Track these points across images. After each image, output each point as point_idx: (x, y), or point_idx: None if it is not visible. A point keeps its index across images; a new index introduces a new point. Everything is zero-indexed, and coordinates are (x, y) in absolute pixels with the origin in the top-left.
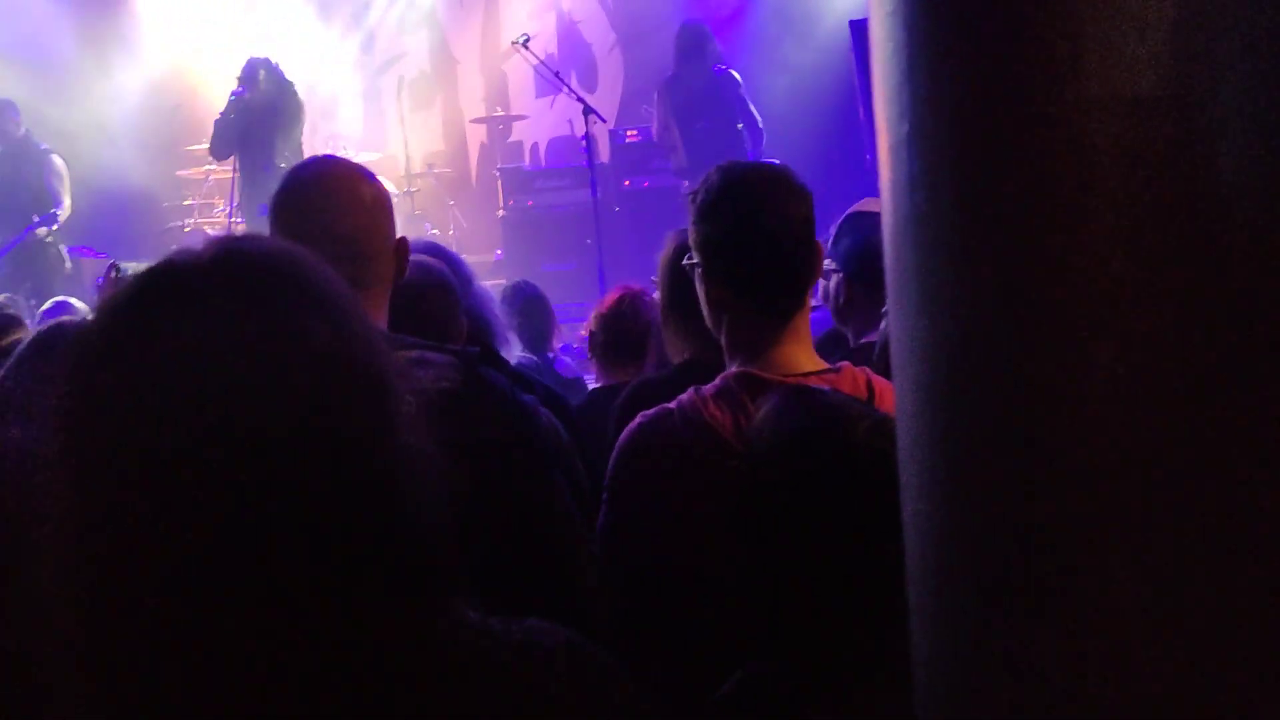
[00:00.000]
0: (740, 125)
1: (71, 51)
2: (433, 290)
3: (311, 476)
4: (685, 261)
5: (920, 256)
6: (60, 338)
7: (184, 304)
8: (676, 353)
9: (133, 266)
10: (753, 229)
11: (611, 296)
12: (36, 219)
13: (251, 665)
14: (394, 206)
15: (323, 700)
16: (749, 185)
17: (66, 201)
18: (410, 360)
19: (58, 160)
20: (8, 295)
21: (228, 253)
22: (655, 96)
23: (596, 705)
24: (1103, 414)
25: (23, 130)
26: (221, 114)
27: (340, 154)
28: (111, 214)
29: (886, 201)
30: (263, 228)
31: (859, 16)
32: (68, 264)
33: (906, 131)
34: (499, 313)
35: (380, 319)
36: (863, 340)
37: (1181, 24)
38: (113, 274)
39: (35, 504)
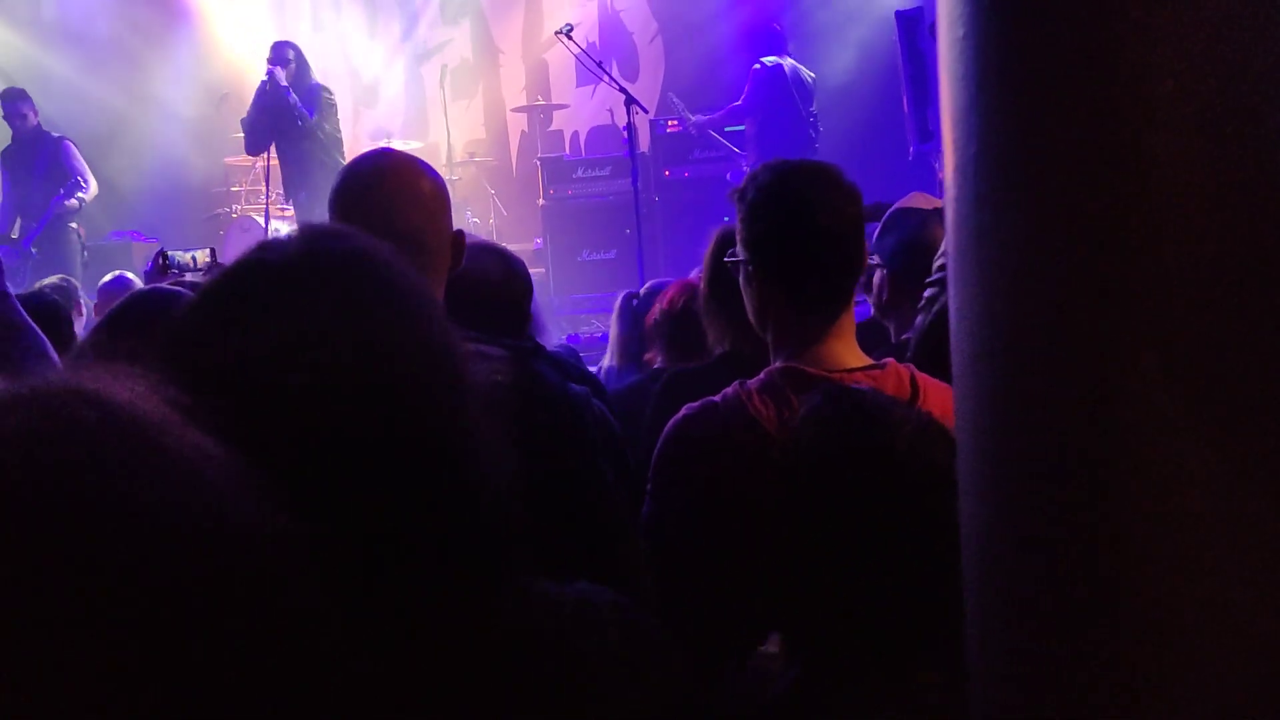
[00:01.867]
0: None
1: (125, 33)
2: (509, 274)
3: (392, 463)
4: (728, 258)
5: (984, 272)
6: (138, 307)
7: (272, 296)
8: (715, 342)
9: (179, 254)
10: (802, 228)
11: (675, 292)
12: (61, 191)
13: (319, 630)
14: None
15: (400, 662)
16: (799, 183)
17: (93, 181)
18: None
19: (71, 146)
20: (62, 277)
21: (314, 246)
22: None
23: (645, 662)
24: (1154, 420)
25: (35, 120)
26: (248, 112)
27: (381, 141)
28: (160, 199)
29: (951, 218)
30: (307, 216)
31: (906, 8)
32: (82, 245)
33: (974, 152)
34: (536, 304)
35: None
36: (905, 336)
37: (1247, 41)
38: (160, 261)
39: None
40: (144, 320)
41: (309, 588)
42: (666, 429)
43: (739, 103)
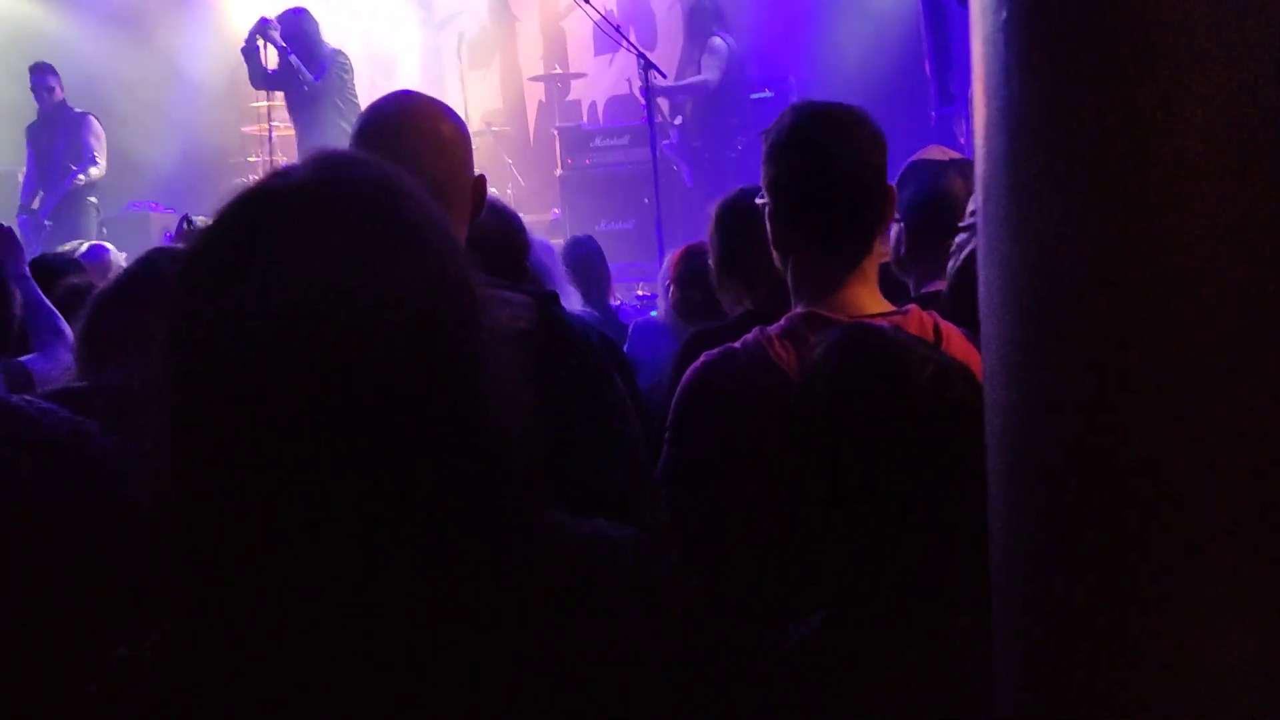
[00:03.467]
0: None
1: (147, 3)
2: (506, 229)
3: (409, 400)
4: (758, 200)
5: (1014, 231)
6: (152, 272)
7: (283, 229)
8: (731, 303)
9: (203, 220)
10: (823, 170)
11: (677, 256)
12: (73, 169)
13: (338, 560)
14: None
15: (405, 601)
16: (821, 125)
17: (102, 161)
18: (489, 298)
19: (94, 121)
20: (75, 244)
21: (327, 176)
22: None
23: (662, 595)
24: (1182, 366)
25: (60, 95)
26: (245, 44)
27: None
28: (177, 169)
29: (982, 173)
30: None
31: None
32: (99, 219)
33: (1007, 146)
34: (558, 263)
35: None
36: (924, 290)
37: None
38: (185, 226)
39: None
40: (162, 277)
41: None
42: (685, 376)
43: (706, 77)
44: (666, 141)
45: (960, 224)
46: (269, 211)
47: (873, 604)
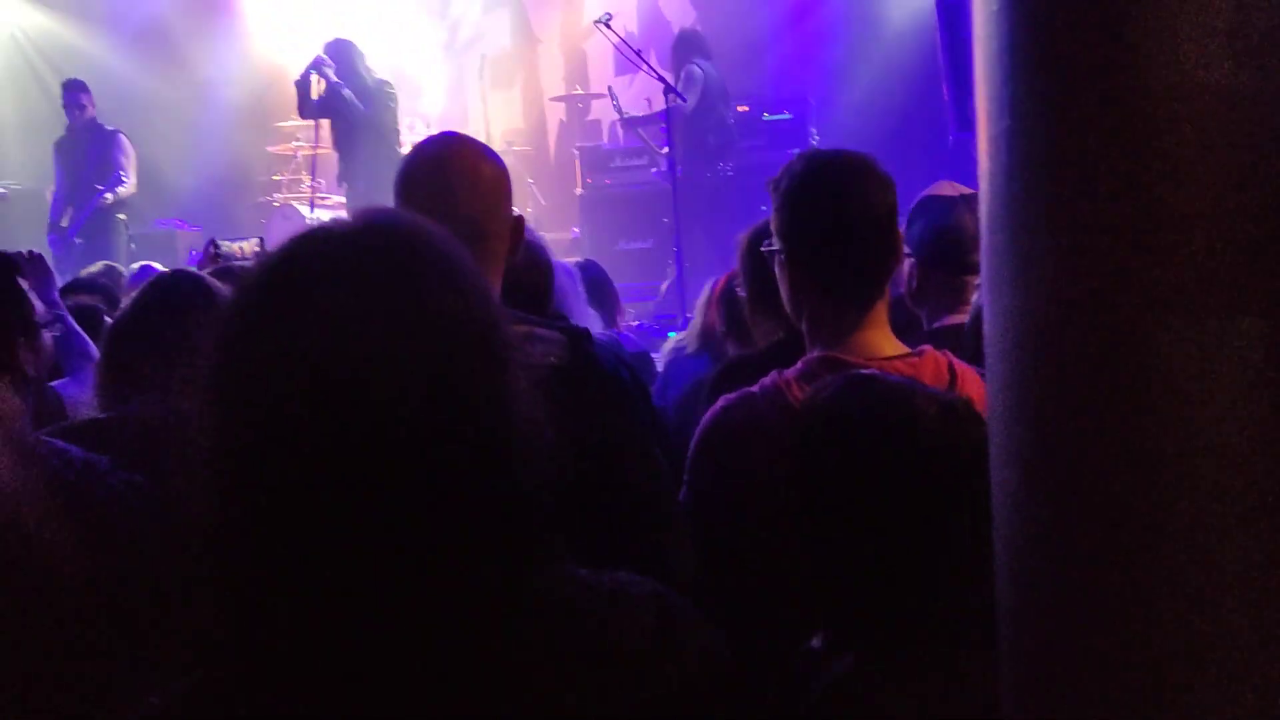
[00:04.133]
0: None
1: (172, 21)
2: (532, 259)
3: (434, 435)
4: (764, 247)
5: (1015, 241)
6: (181, 284)
7: (327, 271)
8: (763, 335)
9: (228, 244)
10: (835, 218)
11: (721, 284)
12: (100, 188)
13: (364, 605)
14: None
15: (429, 643)
16: (832, 173)
17: (131, 179)
18: (522, 334)
19: (124, 139)
20: (106, 264)
21: (368, 226)
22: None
23: (682, 654)
24: (1180, 392)
25: (92, 112)
26: (300, 78)
27: (420, 134)
28: (203, 187)
29: (985, 191)
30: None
31: None
32: (128, 236)
33: (1006, 126)
34: (578, 287)
35: (496, 293)
36: (937, 324)
37: (1264, 28)
38: (212, 249)
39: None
40: (178, 304)
41: None
42: (704, 418)
43: (682, 102)
44: (655, 170)
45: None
46: (311, 261)
47: (892, 647)
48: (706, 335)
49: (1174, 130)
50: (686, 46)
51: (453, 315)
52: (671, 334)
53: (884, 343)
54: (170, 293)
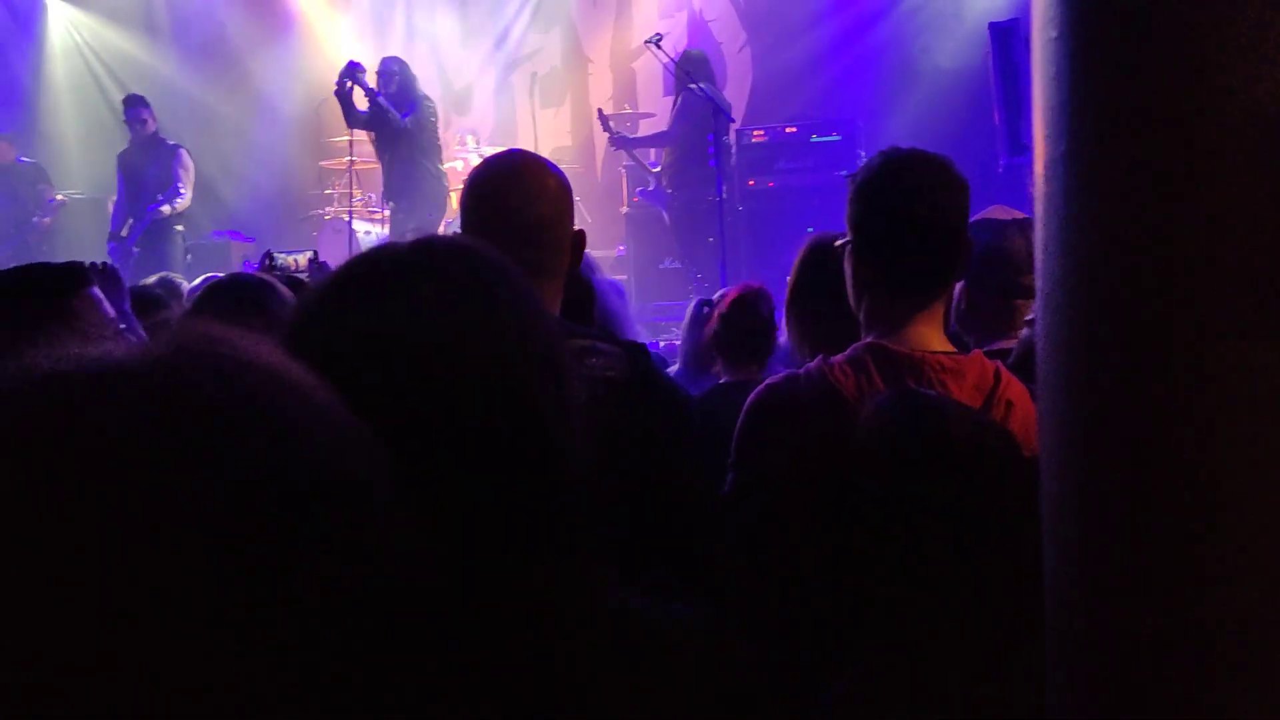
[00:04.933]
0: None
1: (230, 38)
2: (578, 283)
3: (491, 447)
4: (838, 242)
5: (1072, 261)
6: (250, 284)
7: (383, 289)
8: (798, 349)
9: (283, 256)
10: (905, 212)
11: (731, 294)
12: (160, 198)
13: (410, 624)
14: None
15: (478, 663)
16: (907, 170)
17: (188, 193)
18: (581, 349)
19: (184, 154)
20: (163, 275)
21: (424, 246)
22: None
23: (727, 692)
24: (1235, 410)
25: (153, 127)
26: (337, 87)
27: (471, 148)
28: (258, 200)
29: (1042, 212)
30: (403, 223)
31: (1000, 19)
32: (185, 247)
33: (1063, 150)
34: (628, 306)
35: (555, 308)
36: (984, 348)
37: None
38: (267, 262)
39: None
40: (235, 303)
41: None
42: (749, 400)
43: (667, 129)
44: (642, 188)
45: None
46: (373, 271)
47: (904, 662)
48: (691, 356)
49: (1234, 153)
50: (689, 68)
51: (506, 331)
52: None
53: (934, 338)
54: (237, 292)
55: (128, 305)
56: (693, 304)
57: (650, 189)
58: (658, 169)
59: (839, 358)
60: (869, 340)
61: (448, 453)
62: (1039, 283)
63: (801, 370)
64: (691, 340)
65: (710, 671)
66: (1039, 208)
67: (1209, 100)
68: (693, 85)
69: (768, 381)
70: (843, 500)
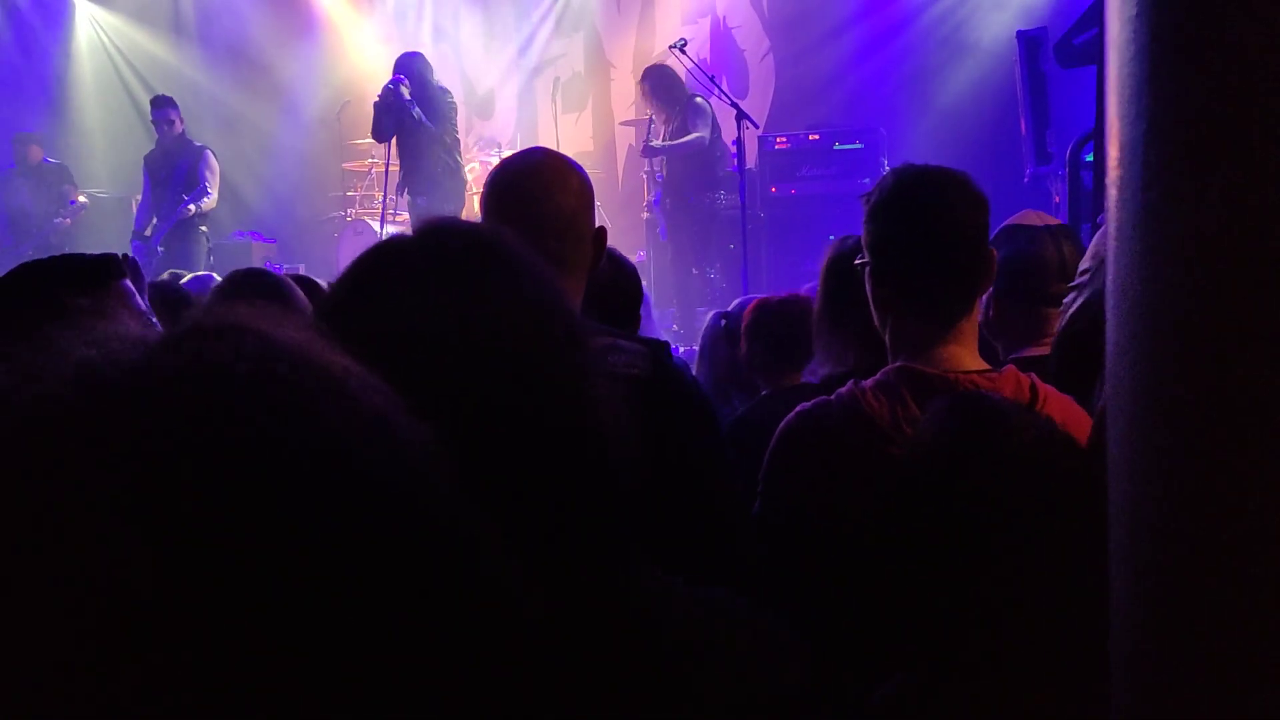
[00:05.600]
0: None
1: (256, 39)
2: (620, 279)
3: (512, 439)
4: (857, 261)
5: (1147, 253)
6: (264, 277)
7: (393, 280)
8: (829, 357)
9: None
10: (922, 231)
11: (751, 312)
12: (185, 198)
13: (445, 613)
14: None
15: (516, 649)
16: (922, 187)
17: (214, 193)
18: (604, 346)
19: (211, 156)
20: (171, 272)
21: (432, 234)
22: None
23: (773, 671)
24: None
25: (180, 128)
26: (379, 99)
27: (492, 151)
28: (279, 201)
29: (1114, 198)
30: (422, 214)
31: (1027, 28)
32: (208, 247)
33: (1144, 130)
34: (649, 308)
35: (578, 302)
36: (1014, 355)
37: None
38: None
39: None
40: (255, 293)
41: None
42: (780, 426)
43: (700, 134)
44: (649, 199)
45: (1070, 283)
46: (382, 263)
47: (957, 668)
48: (711, 374)
49: None
50: (712, 76)
51: (532, 319)
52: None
53: (966, 358)
54: (250, 286)
55: (145, 300)
56: (710, 317)
57: (654, 199)
58: (661, 179)
59: (869, 382)
60: (899, 364)
61: (476, 439)
62: (1109, 274)
63: (833, 396)
64: (714, 359)
65: (759, 655)
66: (1111, 192)
67: None
68: (699, 96)
69: (799, 408)
70: (895, 510)
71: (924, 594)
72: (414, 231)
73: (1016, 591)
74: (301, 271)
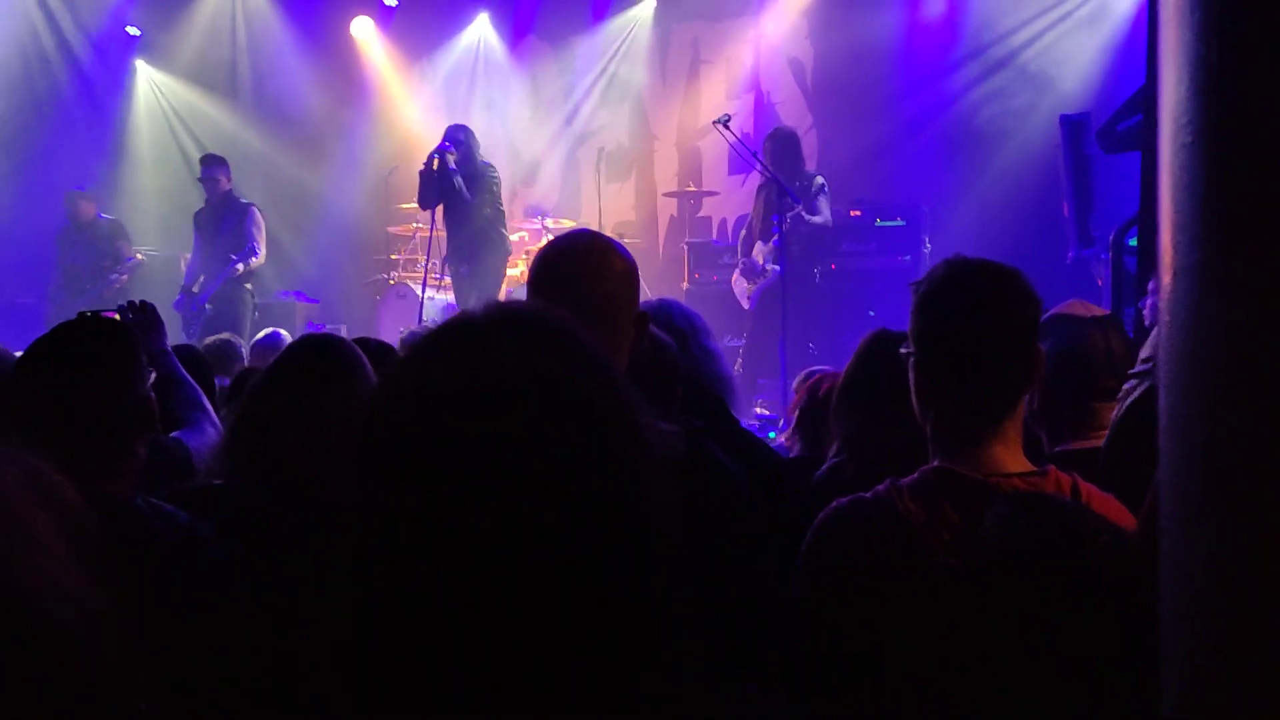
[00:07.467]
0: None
1: (309, 104)
2: (660, 357)
3: (565, 510)
4: (902, 350)
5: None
6: (338, 346)
7: (465, 352)
8: (838, 426)
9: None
10: (972, 327)
11: (810, 387)
12: (234, 257)
13: (489, 690)
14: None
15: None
16: (972, 282)
17: (261, 251)
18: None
19: (257, 212)
20: (231, 334)
21: (502, 311)
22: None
23: None
24: None
25: (227, 186)
26: (424, 166)
27: (536, 220)
28: (324, 262)
29: (1167, 211)
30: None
31: (1070, 113)
32: (254, 304)
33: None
34: (730, 371)
35: None
36: (1059, 449)
37: None
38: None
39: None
40: (310, 365)
41: None
42: (815, 522)
43: (826, 217)
44: (764, 281)
45: (1130, 370)
46: (456, 335)
47: None
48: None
49: None
50: (796, 145)
51: (585, 394)
52: (772, 434)
53: (1008, 458)
54: (322, 354)
55: (166, 343)
56: (804, 377)
57: (770, 281)
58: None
59: (907, 482)
60: (937, 464)
61: (532, 519)
62: (1160, 363)
63: (870, 494)
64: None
65: None
66: (1165, 196)
67: None
68: (818, 174)
69: (836, 503)
70: (952, 612)
71: (981, 700)
72: (484, 309)
73: (1090, 694)
74: (343, 332)
